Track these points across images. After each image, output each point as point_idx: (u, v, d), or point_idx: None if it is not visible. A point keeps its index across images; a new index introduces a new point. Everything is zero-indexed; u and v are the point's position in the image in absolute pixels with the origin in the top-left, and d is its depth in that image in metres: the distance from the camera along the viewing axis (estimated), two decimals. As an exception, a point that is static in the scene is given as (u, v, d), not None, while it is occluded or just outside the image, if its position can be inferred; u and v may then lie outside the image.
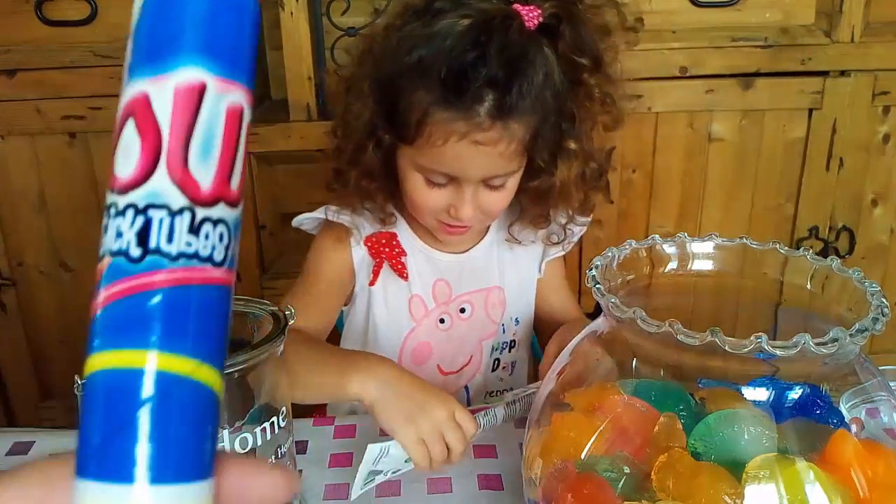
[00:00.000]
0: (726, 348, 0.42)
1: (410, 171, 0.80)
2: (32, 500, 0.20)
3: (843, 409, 0.50)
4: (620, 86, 0.84)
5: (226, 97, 0.20)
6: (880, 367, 0.51)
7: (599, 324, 0.55)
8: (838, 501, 0.43)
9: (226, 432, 0.54)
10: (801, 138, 1.45)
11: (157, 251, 0.19)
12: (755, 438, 0.45)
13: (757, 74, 1.40)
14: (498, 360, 0.96)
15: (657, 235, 0.58)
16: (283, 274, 1.43)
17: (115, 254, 0.19)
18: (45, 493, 0.20)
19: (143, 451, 0.18)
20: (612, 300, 0.48)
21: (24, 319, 1.49)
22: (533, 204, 0.86)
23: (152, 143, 0.19)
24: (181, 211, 0.19)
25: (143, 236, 0.19)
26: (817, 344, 0.42)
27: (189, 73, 0.19)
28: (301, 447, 0.73)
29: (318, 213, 0.89)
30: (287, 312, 0.58)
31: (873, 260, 1.54)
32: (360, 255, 0.90)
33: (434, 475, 0.68)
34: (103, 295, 0.19)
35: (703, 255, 0.58)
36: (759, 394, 0.46)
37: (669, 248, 0.58)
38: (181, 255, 0.19)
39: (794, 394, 0.47)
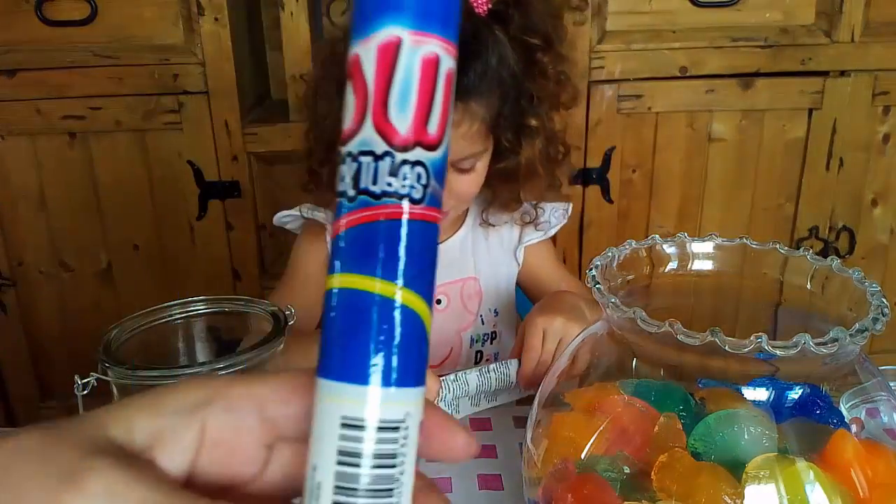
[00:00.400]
0: (726, 348, 0.42)
1: None
2: (279, 398, 0.25)
3: (843, 409, 0.50)
4: (574, 64, 0.88)
5: (421, 49, 0.22)
6: (880, 367, 0.51)
7: (599, 324, 0.55)
8: (838, 501, 0.43)
9: None
10: (801, 138, 1.45)
11: (365, 191, 0.22)
12: (755, 438, 0.45)
13: (757, 74, 1.40)
14: (480, 352, 0.97)
15: (657, 235, 0.58)
16: (282, 274, 1.43)
17: (339, 194, 0.23)
18: (290, 393, 0.25)
19: (371, 359, 0.22)
20: (612, 300, 0.48)
21: (24, 319, 1.49)
22: (502, 185, 0.88)
23: (362, 98, 0.22)
24: (383, 155, 0.22)
25: (356, 178, 0.22)
26: (817, 344, 0.42)
27: (388, 32, 0.22)
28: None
29: (294, 211, 0.93)
30: (287, 312, 0.58)
31: (873, 260, 1.54)
32: None
33: (434, 475, 0.68)
34: (333, 228, 0.23)
35: (703, 255, 0.58)
36: (759, 394, 0.46)
37: (669, 248, 0.58)
38: (383, 193, 0.22)
39: (794, 394, 0.47)
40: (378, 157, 0.22)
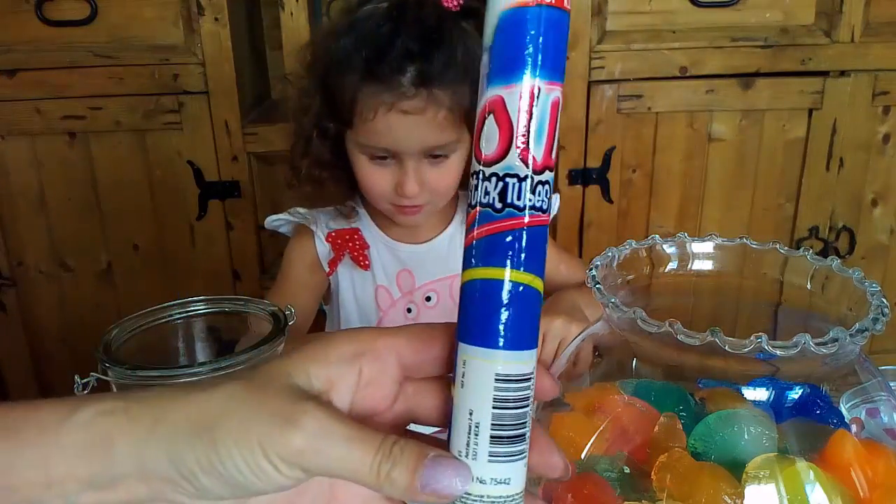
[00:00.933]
0: (726, 348, 0.42)
1: (356, 155, 0.84)
2: (412, 348, 0.32)
3: (843, 409, 0.50)
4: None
5: (550, 95, 0.29)
6: (880, 367, 0.51)
7: (599, 324, 0.55)
8: (838, 501, 0.43)
9: None
10: (801, 138, 1.45)
11: (511, 205, 0.29)
12: (755, 438, 0.45)
13: (757, 74, 1.40)
14: None
15: (657, 235, 0.58)
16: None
17: (484, 205, 0.30)
18: (421, 344, 0.32)
19: (503, 329, 0.29)
20: (612, 300, 0.48)
21: (24, 319, 1.49)
22: None
23: (507, 132, 0.29)
24: (525, 178, 0.29)
25: (502, 195, 0.29)
26: (817, 344, 0.42)
27: (528, 82, 0.28)
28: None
29: (284, 214, 0.95)
30: (287, 312, 0.58)
31: (873, 260, 1.54)
32: (324, 251, 0.93)
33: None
34: (476, 232, 0.30)
35: (703, 255, 0.58)
36: (759, 394, 0.46)
37: (669, 248, 0.58)
38: (525, 206, 0.29)
39: (794, 394, 0.47)
40: (521, 179, 0.29)
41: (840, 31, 1.37)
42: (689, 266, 0.58)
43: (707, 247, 0.58)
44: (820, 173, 1.46)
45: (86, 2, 1.30)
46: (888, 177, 1.49)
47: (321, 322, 1.04)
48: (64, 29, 1.31)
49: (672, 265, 0.58)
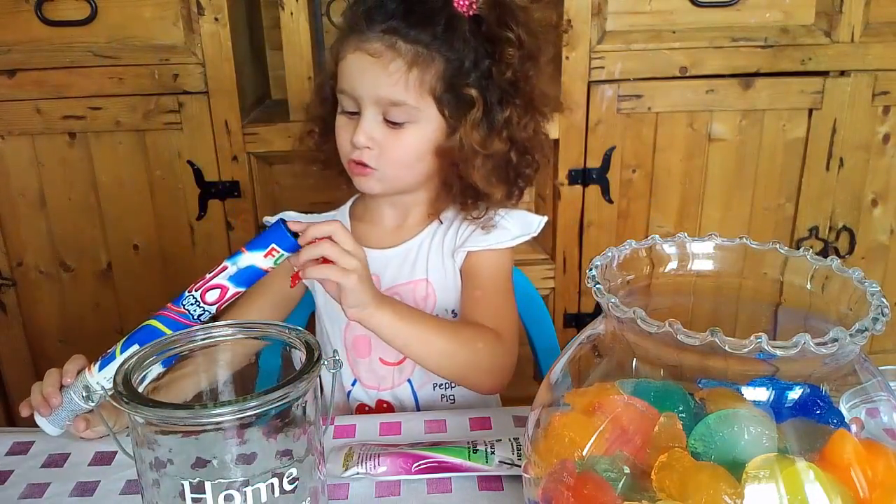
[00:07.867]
0: (726, 348, 0.42)
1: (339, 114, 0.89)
2: None
3: (843, 409, 0.50)
4: (550, 81, 0.94)
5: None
6: (880, 367, 0.51)
7: (599, 324, 0.55)
8: (838, 501, 0.43)
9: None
10: (801, 138, 1.45)
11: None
12: (755, 438, 0.45)
13: (757, 74, 1.40)
14: None
15: (657, 235, 0.58)
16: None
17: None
18: None
19: None
20: (612, 300, 0.48)
21: (24, 319, 1.49)
22: (443, 164, 0.89)
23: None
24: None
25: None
26: (817, 344, 0.42)
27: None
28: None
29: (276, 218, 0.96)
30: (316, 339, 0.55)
31: (873, 260, 1.54)
32: None
33: (434, 475, 0.68)
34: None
35: (703, 255, 0.58)
36: (759, 394, 0.46)
37: (669, 248, 0.58)
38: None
39: (794, 394, 0.47)
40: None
41: (840, 31, 1.37)
42: (689, 266, 0.58)
43: (707, 247, 0.58)
44: (820, 173, 1.47)
45: (86, 2, 1.30)
46: (888, 177, 1.49)
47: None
48: (64, 29, 1.31)
49: (672, 265, 0.58)
